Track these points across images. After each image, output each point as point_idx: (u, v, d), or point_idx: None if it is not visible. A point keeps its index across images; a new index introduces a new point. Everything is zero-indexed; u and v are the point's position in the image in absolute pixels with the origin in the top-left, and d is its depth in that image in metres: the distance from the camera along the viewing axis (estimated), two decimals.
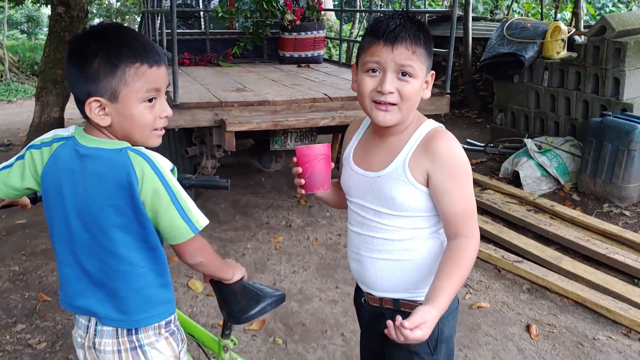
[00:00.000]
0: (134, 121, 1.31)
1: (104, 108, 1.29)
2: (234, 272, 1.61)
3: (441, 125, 1.54)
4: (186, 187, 1.77)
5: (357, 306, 1.81)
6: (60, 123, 6.80)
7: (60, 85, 6.72)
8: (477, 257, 3.85)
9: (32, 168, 1.41)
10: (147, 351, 1.42)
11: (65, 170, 1.35)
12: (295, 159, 1.62)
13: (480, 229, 4.19)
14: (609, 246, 3.87)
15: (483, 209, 4.61)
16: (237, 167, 5.73)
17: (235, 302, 1.62)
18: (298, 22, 5.92)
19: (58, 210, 1.38)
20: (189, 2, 6.84)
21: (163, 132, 1.38)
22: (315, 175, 1.61)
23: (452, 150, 1.46)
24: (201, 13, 6.47)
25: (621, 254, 3.74)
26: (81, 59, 1.28)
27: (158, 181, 1.29)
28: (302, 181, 1.62)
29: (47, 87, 6.80)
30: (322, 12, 6.36)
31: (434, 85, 4.77)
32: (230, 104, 3.81)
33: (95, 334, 1.42)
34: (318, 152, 1.60)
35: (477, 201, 4.50)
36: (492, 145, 5.91)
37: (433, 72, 1.52)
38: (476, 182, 5.11)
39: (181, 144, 4.35)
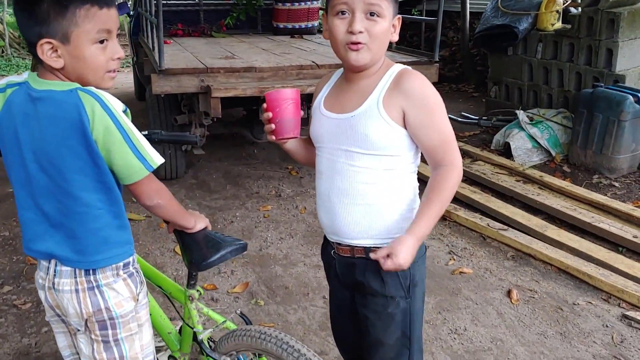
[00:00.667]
0: (86, 63, 1.32)
1: (56, 50, 1.30)
2: (195, 221, 1.63)
3: (409, 67, 1.58)
4: (155, 142, 1.78)
5: (325, 261, 1.82)
6: None
7: None
8: (462, 225, 3.91)
9: None
10: (105, 291, 1.44)
11: (19, 114, 1.37)
12: (265, 105, 1.62)
13: (468, 198, 4.22)
14: (595, 215, 3.87)
15: (472, 180, 4.61)
16: (231, 139, 5.74)
17: (196, 250, 1.65)
18: None
19: (15, 155, 1.40)
20: None
21: (116, 74, 1.39)
22: (285, 120, 1.61)
23: (423, 86, 1.51)
24: None
25: (606, 222, 3.75)
26: (30, 1, 1.28)
27: (109, 119, 1.30)
28: (272, 126, 1.62)
29: None
30: None
31: (423, 54, 4.70)
32: (217, 70, 3.81)
33: (55, 275, 1.45)
34: (287, 96, 1.60)
35: (466, 172, 4.59)
36: (485, 118, 5.88)
37: (399, 16, 1.56)
38: (467, 154, 5.10)
39: (170, 112, 4.35)
